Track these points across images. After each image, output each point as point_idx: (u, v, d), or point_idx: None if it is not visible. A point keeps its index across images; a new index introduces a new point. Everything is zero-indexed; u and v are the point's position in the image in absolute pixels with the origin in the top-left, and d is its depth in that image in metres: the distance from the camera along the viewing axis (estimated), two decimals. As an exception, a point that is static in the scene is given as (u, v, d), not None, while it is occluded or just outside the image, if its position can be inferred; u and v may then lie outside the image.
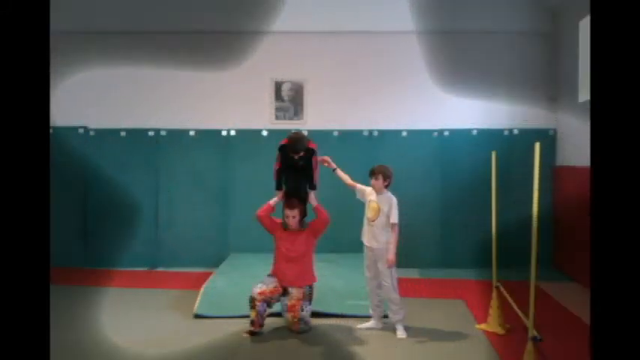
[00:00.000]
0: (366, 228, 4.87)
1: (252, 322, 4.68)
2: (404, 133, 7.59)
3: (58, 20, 7.17)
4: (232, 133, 7.65)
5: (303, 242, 4.85)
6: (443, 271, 7.16)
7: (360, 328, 4.88)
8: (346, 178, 5.05)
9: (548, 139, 7.44)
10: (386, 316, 4.94)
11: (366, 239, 4.85)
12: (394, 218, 4.73)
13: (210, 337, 4.66)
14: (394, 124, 7.60)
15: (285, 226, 4.88)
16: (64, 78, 7.52)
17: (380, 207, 4.76)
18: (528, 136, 7.19)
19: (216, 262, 6.98)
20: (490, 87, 7.59)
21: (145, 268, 7.44)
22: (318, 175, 4.94)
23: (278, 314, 4.93)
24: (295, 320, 4.74)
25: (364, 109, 7.61)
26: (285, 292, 4.81)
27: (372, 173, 4.82)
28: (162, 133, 7.65)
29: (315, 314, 4.99)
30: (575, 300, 5.78)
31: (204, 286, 5.65)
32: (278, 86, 7.69)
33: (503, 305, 4.79)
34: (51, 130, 7.06)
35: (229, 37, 7.67)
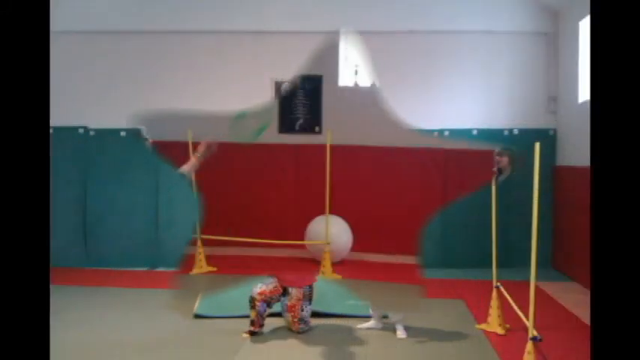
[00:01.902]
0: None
1: (252, 322, 4.68)
2: (404, 133, 7.58)
3: (58, 20, 7.29)
4: (232, 133, 7.64)
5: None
6: (443, 271, 7.14)
7: (360, 328, 4.88)
8: None
9: (548, 139, 7.43)
10: (386, 316, 4.94)
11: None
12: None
13: (210, 337, 4.66)
14: (394, 124, 7.59)
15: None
16: (64, 78, 7.51)
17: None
18: (528, 136, 7.19)
19: (216, 262, 6.98)
20: (490, 87, 7.59)
21: (145, 268, 7.44)
22: None
23: (278, 314, 4.93)
24: (295, 320, 4.74)
25: (364, 109, 7.61)
26: (285, 292, 4.81)
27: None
28: (163, 133, 7.65)
29: (315, 314, 4.98)
30: (575, 300, 5.78)
31: (204, 286, 5.65)
32: (278, 86, 7.69)
33: (503, 305, 4.79)
34: (51, 130, 7.05)
35: (229, 37, 7.66)
